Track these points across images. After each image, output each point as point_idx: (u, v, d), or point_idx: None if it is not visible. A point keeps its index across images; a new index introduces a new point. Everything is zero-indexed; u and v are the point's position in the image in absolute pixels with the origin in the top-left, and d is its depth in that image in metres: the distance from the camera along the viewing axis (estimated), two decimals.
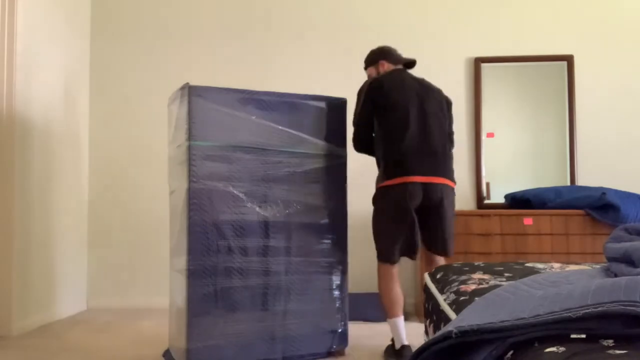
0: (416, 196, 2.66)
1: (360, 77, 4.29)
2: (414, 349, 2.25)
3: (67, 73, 3.99)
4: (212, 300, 2.57)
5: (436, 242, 2.78)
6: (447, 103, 2.93)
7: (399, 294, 2.75)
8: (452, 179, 2.80)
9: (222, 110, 2.63)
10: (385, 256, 2.74)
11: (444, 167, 2.77)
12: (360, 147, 2.93)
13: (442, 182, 2.72)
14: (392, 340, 2.76)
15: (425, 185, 2.67)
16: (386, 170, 2.75)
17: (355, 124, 2.90)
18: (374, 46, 4.32)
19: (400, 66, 2.98)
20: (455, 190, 2.85)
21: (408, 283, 4.13)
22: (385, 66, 2.97)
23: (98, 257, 4.24)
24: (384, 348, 2.86)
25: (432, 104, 2.81)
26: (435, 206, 2.71)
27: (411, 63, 3.02)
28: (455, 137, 4.34)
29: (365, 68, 3.09)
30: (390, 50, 3.05)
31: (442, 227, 2.75)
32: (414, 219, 2.68)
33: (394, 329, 2.72)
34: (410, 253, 2.74)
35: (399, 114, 2.73)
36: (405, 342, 2.67)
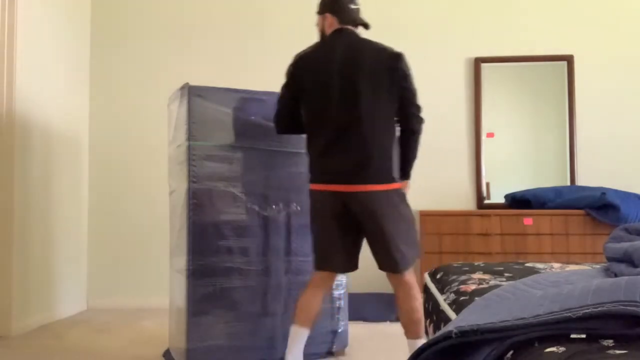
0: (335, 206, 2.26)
1: None
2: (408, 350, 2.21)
3: (67, 73, 3.99)
4: (212, 300, 2.57)
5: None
6: (392, 69, 2.24)
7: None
8: (384, 180, 2.22)
9: (222, 110, 2.62)
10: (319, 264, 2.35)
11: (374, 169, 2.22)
12: (278, 129, 2.48)
13: (368, 188, 2.20)
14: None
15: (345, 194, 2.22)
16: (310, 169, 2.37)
17: (277, 101, 2.46)
18: None
19: (346, 27, 2.36)
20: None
21: None
22: (329, 21, 2.37)
23: (98, 257, 4.24)
24: (383, 348, 2.86)
25: (363, 82, 2.21)
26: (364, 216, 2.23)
27: (356, 24, 2.41)
28: (455, 137, 4.36)
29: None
30: (342, 1, 2.38)
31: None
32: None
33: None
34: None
35: (316, 103, 2.28)
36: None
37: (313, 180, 2.31)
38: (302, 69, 2.34)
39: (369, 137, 2.20)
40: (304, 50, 2.41)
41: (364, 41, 2.33)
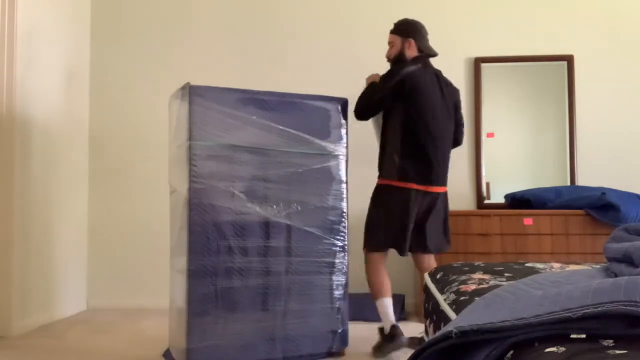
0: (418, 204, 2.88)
1: (360, 76, 4.29)
2: (408, 350, 2.26)
3: (67, 73, 3.99)
4: (212, 300, 2.57)
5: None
6: (458, 101, 3.08)
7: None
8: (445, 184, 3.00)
9: (223, 110, 2.63)
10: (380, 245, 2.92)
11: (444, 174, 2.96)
12: (367, 114, 2.98)
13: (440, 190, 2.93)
14: (380, 329, 2.84)
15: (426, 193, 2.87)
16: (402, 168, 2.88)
17: (373, 96, 2.91)
18: (374, 45, 4.32)
19: (423, 54, 2.98)
20: (451, 191, 3.07)
21: (408, 283, 4.13)
22: (412, 48, 2.97)
23: (98, 257, 4.24)
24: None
25: (448, 106, 2.96)
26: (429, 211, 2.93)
27: (433, 55, 3.03)
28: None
29: (393, 32, 3.08)
30: (422, 31, 3.04)
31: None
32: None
33: (383, 308, 2.83)
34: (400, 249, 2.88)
35: (425, 117, 2.84)
36: (394, 322, 2.81)
37: (404, 178, 2.82)
38: (414, 84, 2.83)
39: (449, 151, 2.98)
40: (410, 68, 2.88)
41: (441, 72, 3.01)
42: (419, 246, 2.91)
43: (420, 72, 2.88)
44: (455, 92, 3.05)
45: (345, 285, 2.86)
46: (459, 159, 4.21)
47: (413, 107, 2.82)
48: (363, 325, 3.49)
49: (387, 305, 2.83)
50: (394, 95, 2.84)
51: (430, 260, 2.99)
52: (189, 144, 2.55)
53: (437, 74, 2.96)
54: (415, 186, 2.81)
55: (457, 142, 3.10)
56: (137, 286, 4.21)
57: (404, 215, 2.79)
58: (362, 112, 2.95)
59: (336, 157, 2.86)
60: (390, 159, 2.85)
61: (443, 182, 2.93)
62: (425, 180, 2.82)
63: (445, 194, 2.96)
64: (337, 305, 2.82)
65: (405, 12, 4.33)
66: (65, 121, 3.94)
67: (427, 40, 3.03)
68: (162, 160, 3.98)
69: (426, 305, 2.02)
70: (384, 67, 4.29)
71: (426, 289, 2.04)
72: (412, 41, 2.96)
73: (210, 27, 4.37)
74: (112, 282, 4.21)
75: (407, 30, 3.02)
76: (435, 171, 2.85)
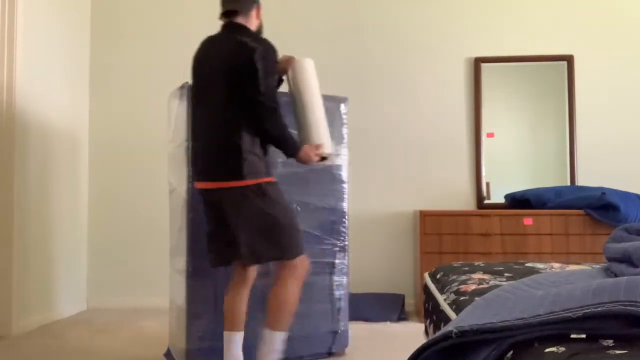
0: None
1: (360, 76, 4.30)
2: (408, 350, 2.23)
3: (67, 73, 3.99)
4: (212, 301, 2.56)
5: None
6: (241, 67, 2.19)
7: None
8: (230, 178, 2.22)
9: None
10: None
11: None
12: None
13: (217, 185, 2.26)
14: None
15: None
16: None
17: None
18: (374, 45, 4.34)
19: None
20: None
21: (408, 283, 4.13)
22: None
23: (98, 257, 4.24)
24: (383, 348, 2.86)
25: (214, 80, 2.26)
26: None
27: (227, 13, 2.36)
28: (456, 137, 4.36)
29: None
30: None
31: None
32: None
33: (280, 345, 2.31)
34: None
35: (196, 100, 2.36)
36: None
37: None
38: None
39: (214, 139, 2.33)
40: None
41: (222, 36, 2.40)
42: None
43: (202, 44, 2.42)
44: (232, 57, 2.25)
45: (346, 286, 2.86)
46: (459, 159, 4.22)
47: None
48: (363, 325, 3.50)
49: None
50: None
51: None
52: (188, 143, 2.54)
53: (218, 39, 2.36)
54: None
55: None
56: (137, 286, 4.21)
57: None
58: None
59: (335, 156, 2.85)
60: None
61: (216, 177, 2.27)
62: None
63: (225, 191, 2.24)
64: (337, 306, 2.82)
65: (406, 12, 4.34)
66: (65, 121, 3.94)
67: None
68: (161, 160, 3.99)
69: (426, 305, 2.02)
70: (384, 67, 4.31)
71: (426, 289, 2.04)
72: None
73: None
74: (112, 282, 4.21)
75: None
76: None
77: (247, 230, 2.21)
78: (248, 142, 2.21)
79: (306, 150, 2.33)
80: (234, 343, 2.28)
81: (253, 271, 2.38)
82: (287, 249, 2.27)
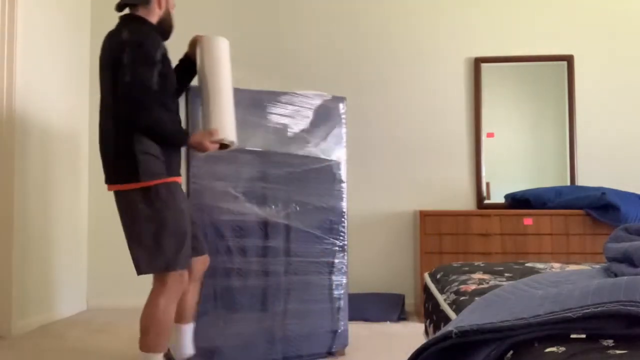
0: None
1: (360, 75, 4.30)
2: (408, 350, 2.22)
3: (67, 73, 3.99)
4: (212, 301, 2.57)
5: None
6: (114, 59, 2.11)
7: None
8: (116, 180, 2.18)
9: None
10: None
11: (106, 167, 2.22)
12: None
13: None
14: None
15: None
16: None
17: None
18: (375, 45, 4.33)
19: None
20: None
21: (408, 283, 4.13)
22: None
23: (98, 257, 4.24)
24: (383, 348, 2.86)
25: (101, 78, 2.19)
26: None
27: (121, 6, 2.36)
28: (456, 137, 4.36)
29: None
30: None
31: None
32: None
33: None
34: None
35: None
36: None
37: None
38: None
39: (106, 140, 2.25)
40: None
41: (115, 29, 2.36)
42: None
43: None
44: (112, 49, 2.18)
45: (345, 285, 2.86)
46: (459, 159, 4.22)
47: None
48: (363, 325, 3.49)
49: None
50: None
51: None
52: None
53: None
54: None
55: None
56: (137, 286, 4.19)
57: None
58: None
59: (335, 156, 2.85)
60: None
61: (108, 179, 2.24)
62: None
63: (116, 194, 2.25)
64: (337, 305, 2.82)
65: (406, 12, 4.34)
66: (65, 121, 3.94)
67: None
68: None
69: (426, 305, 2.02)
70: (384, 67, 4.31)
71: (426, 289, 2.04)
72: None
73: (210, 27, 4.37)
74: (112, 282, 4.21)
75: None
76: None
77: (131, 237, 2.13)
78: (139, 142, 2.08)
79: (197, 138, 2.18)
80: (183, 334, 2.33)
81: (198, 264, 2.30)
82: (167, 260, 2.10)
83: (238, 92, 2.69)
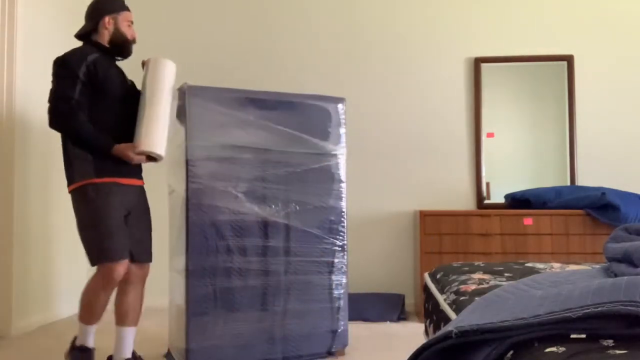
0: None
1: (359, 75, 4.30)
2: (408, 350, 2.24)
3: None
4: (212, 300, 2.57)
5: None
6: None
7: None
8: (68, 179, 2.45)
9: (221, 110, 2.63)
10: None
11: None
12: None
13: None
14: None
15: None
16: None
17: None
18: (374, 45, 4.34)
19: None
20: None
21: (408, 283, 4.13)
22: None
23: None
24: (383, 348, 2.86)
25: None
26: None
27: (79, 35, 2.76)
28: (456, 137, 4.36)
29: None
30: None
31: None
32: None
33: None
34: None
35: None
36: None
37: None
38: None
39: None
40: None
41: None
42: None
43: None
44: None
45: (345, 285, 2.86)
46: (459, 159, 4.22)
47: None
48: (363, 325, 3.49)
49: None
50: None
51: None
52: (187, 144, 2.54)
53: None
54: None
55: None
56: None
57: None
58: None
59: (335, 156, 2.85)
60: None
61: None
62: None
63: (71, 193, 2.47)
64: (337, 305, 2.82)
65: (406, 12, 4.34)
66: None
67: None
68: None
69: (426, 305, 2.02)
70: (384, 67, 4.30)
71: (426, 289, 2.04)
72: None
73: (210, 26, 4.37)
74: None
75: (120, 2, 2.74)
76: None
77: (79, 233, 2.46)
78: (73, 146, 2.41)
79: (121, 149, 2.37)
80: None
81: (134, 268, 2.48)
82: (97, 253, 2.40)
83: (238, 92, 2.69)
